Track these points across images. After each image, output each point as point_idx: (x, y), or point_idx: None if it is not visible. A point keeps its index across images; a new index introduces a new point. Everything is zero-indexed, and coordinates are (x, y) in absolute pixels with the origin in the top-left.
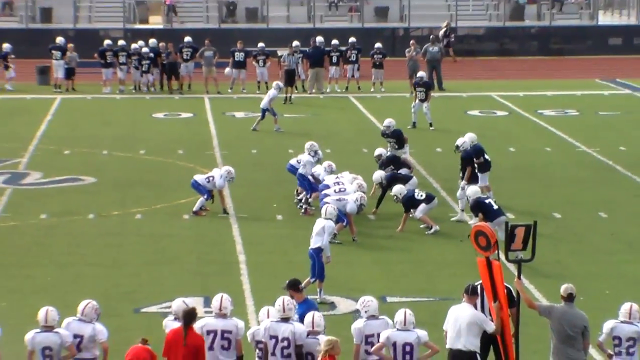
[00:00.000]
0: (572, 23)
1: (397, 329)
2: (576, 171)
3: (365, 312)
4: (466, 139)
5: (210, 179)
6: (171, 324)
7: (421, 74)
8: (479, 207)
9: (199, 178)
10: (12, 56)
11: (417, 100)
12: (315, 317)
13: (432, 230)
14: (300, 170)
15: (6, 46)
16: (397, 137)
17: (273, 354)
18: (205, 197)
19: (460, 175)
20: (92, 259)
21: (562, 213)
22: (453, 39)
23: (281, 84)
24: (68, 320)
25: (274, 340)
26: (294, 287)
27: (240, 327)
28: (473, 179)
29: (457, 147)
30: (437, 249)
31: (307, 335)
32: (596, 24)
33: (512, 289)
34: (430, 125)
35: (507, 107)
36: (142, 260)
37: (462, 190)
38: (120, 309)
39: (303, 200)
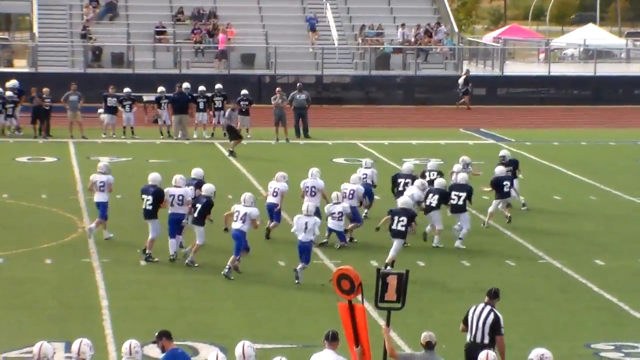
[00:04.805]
0: (437, 73)
1: None
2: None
3: None
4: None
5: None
6: None
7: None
8: None
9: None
10: None
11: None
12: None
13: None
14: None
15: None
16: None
17: None
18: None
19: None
20: None
21: (426, 261)
22: (471, 88)
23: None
24: None
25: None
26: (166, 335)
27: None
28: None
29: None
30: (300, 294)
31: None
32: (461, 74)
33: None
34: None
35: (372, 155)
36: (2, 304)
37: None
38: None
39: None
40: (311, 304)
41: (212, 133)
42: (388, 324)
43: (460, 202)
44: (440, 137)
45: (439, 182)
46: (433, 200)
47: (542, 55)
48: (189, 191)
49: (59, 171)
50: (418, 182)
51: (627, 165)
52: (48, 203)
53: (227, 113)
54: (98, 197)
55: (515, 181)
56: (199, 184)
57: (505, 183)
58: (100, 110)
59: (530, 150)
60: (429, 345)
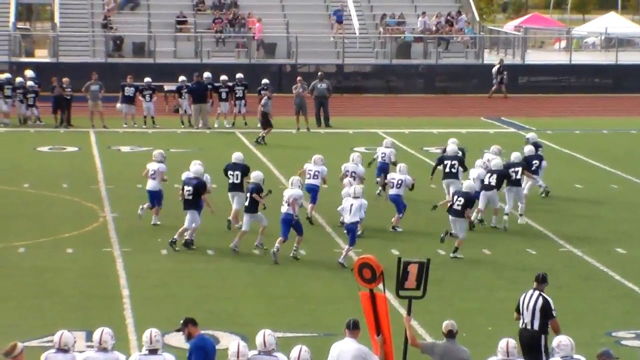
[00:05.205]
0: (458, 62)
1: None
2: None
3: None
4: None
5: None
6: (52, 357)
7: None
8: None
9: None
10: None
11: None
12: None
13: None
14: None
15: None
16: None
17: None
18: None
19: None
20: None
21: (447, 249)
22: (506, 76)
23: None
24: None
25: None
26: (191, 322)
27: None
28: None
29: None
30: (321, 283)
31: None
32: (482, 62)
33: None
34: None
35: (393, 144)
36: (24, 293)
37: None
38: (0, 342)
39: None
40: (332, 292)
41: (233, 122)
42: (409, 313)
43: (519, 176)
44: (461, 126)
45: (496, 164)
46: (492, 179)
47: (562, 43)
48: (207, 178)
49: (80, 161)
50: (480, 161)
51: None
52: (69, 192)
53: (263, 100)
54: (149, 184)
55: (543, 163)
56: (243, 169)
57: (534, 162)
58: (119, 105)
59: (551, 139)
60: (450, 334)
